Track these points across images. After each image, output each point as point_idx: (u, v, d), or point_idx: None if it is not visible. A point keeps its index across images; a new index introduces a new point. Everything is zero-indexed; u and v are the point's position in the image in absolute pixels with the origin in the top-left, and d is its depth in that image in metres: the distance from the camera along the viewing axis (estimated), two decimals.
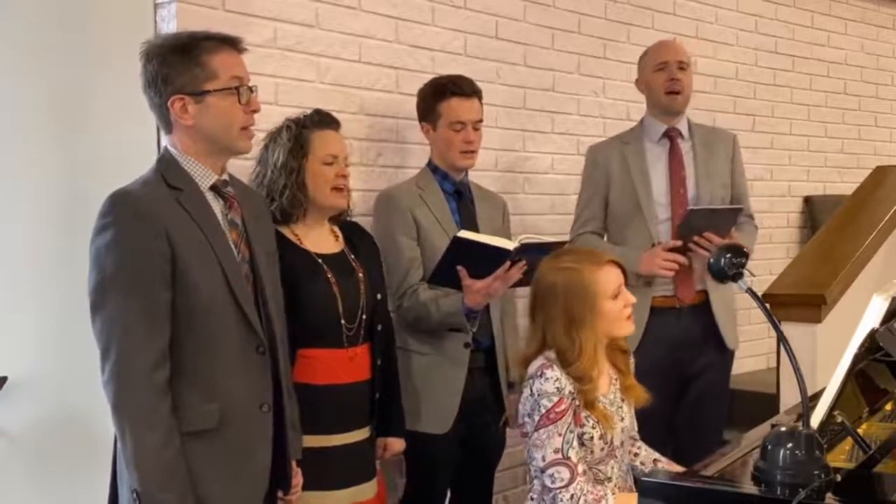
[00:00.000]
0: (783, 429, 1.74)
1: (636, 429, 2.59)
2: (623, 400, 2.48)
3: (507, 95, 3.82)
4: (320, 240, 2.71)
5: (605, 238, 3.49)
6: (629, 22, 4.30)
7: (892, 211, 4.04)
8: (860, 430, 2.09)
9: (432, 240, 3.02)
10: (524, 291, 2.87)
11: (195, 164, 2.16)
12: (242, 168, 2.66)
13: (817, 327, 3.58)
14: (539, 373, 2.33)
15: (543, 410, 2.30)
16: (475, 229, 3.04)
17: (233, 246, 2.17)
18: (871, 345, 1.97)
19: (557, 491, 2.27)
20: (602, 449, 2.36)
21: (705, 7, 4.70)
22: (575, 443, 2.31)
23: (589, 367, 2.34)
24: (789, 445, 1.69)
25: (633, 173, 3.40)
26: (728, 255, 1.99)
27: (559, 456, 2.28)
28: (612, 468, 2.40)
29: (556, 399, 2.30)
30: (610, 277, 2.40)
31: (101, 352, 2.04)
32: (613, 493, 2.30)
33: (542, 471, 2.30)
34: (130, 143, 2.81)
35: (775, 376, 3.68)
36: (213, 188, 2.18)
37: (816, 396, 1.97)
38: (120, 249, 2.03)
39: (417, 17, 3.50)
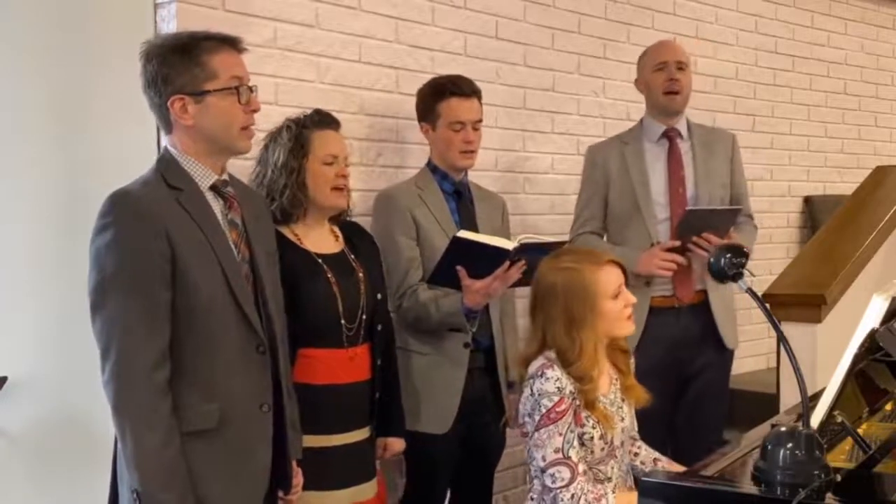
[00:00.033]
0: (783, 429, 1.74)
1: (636, 429, 2.59)
2: (623, 400, 2.48)
3: (507, 95, 3.82)
4: (320, 240, 2.71)
5: (605, 238, 3.49)
6: (629, 22, 4.30)
7: (892, 211, 4.04)
8: (860, 430, 2.09)
9: (432, 240, 3.02)
10: (524, 291, 2.87)
11: (195, 164, 2.16)
12: (242, 168, 2.67)
13: (817, 327, 3.58)
14: (539, 373, 2.33)
15: (544, 410, 2.30)
16: (474, 229, 3.04)
17: (233, 246, 2.17)
18: (871, 345, 1.97)
19: (558, 490, 2.28)
20: (602, 449, 2.36)
21: (705, 7, 4.70)
22: (575, 442, 2.31)
23: (589, 366, 2.34)
24: (789, 445, 1.69)
25: (633, 173, 3.40)
26: (728, 255, 1.99)
27: (560, 455, 2.28)
28: (613, 468, 2.40)
29: (556, 399, 2.30)
30: (610, 277, 2.40)
31: (102, 352, 2.04)
32: (613, 493, 2.30)
33: (543, 470, 2.30)
34: (130, 143, 2.81)
35: (775, 376, 3.68)
36: (213, 188, 2.18)
37: (816, 396, 1.97)
38: (120, 249, 2.03)
39: (417, 17, 3.50)
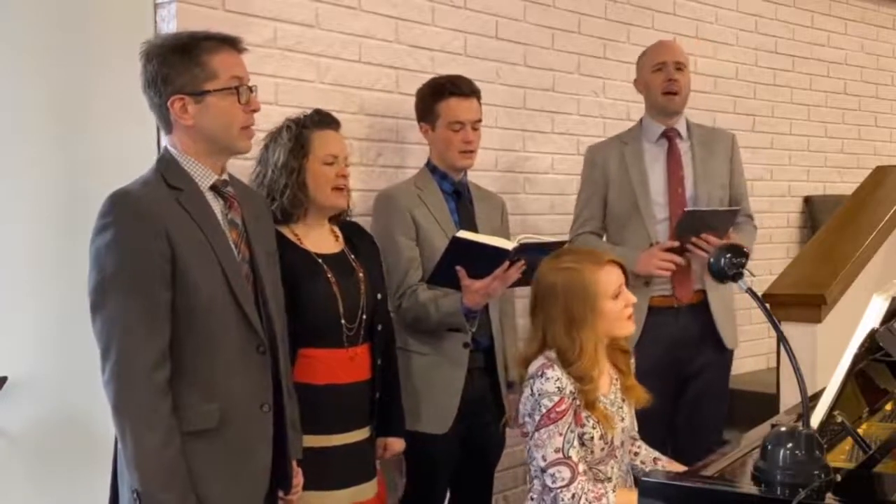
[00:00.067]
0: (783, 429, 1.74)
1: (636, 429, 2.59)
2: (623, 400, 2.48)
3: (507, 95, 3.82)
4: (320, 240, 2.71)
5: (605, 238, 3.49)
6: (629, 22, 4.30)
7: (892, 211, 4.04)
8: (860, 430, 2.09)
9: (431, 240, 3.02)
10: (523, 291, 2.88)
11: (195, 164, 2.16)
12: (242, 168, 2.67)
13: (817, 327, 3.58)
14: (540, 372, 2.33)
15: (544, 410, 2.30)
16: (474, 229, 3.04)
17: (233, 246, 2.17)
18: (871, 345, 1.97)
19: (558, 490, 2.28)
20: (602, 449, 2.36)
21: (705, 7, 4.70)
22: (576, 442, 2.31)
23: (589, 366, 2.34)
24: (789, 445, 1.69)
25: (632, 173, 3.41)
26: (728, 255, 1.99)
27: (560, 455, 2.28)
28: (613, 468, 2.40)
29: (556, 399, 2.30)
30: (611, 277, 2.40)
31: (102, 352, 2.04)
32: (613, 492, 2.30)
33: (543, 470, 2.30)
34: (130, 143, 2.81)
35: (775, 376, 3.68)
36: (213, 188, 2.18)
37: (816, 396, 1.97)
38: (120, 249, 2.03)
39: (417, 17, 3.50)
